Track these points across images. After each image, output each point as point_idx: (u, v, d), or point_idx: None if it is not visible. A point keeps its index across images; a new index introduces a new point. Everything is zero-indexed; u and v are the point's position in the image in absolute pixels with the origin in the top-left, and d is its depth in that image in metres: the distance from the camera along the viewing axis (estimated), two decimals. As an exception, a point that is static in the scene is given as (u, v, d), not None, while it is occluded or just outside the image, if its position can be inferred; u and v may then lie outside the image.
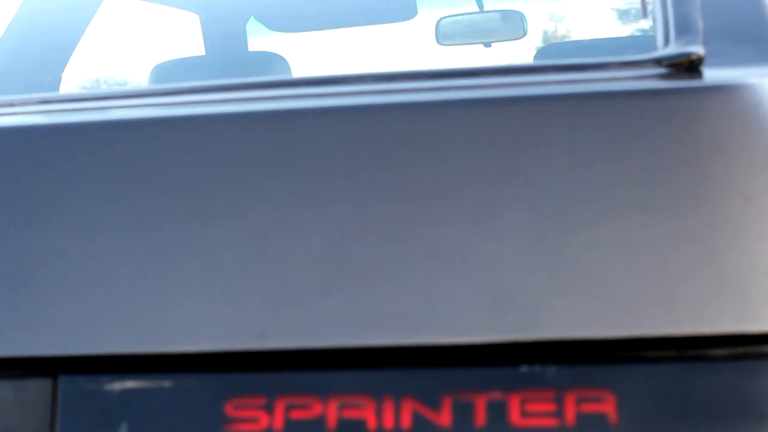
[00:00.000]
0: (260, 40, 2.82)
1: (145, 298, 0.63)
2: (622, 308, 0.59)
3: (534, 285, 0.59)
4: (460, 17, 2.76)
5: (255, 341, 0.62)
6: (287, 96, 0.72)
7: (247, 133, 0.64)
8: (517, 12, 2.63)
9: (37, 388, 0.65)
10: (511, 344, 0.60)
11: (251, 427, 0.62)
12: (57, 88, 2.10)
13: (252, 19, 2.71)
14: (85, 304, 0.64)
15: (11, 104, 0.85)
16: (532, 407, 0.59)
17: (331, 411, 0.61)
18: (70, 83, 2.12)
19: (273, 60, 2.19)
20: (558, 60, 0.78)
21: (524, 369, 0.60)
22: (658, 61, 0.74)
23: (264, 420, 0.61)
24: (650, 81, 0.72)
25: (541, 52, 2.02)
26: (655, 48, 0.86)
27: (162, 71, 2.19)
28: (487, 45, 2.82)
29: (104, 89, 0.74)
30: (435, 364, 0.61)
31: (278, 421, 0.61)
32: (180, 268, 0.63)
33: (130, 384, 0.64)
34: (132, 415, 0.63)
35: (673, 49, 0.77)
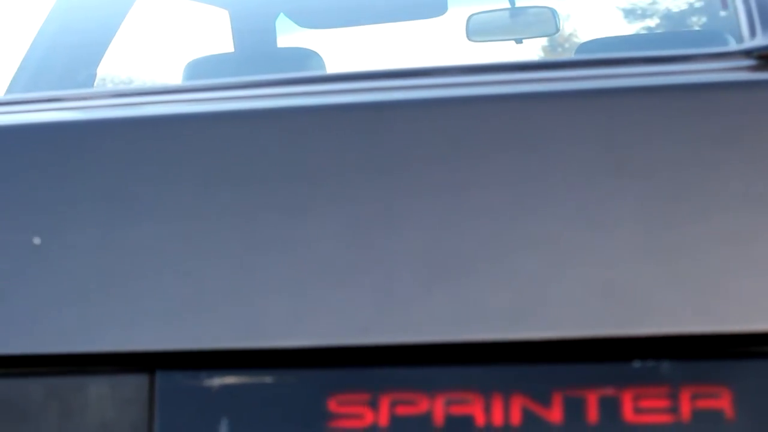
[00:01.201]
0: (288, 36, 2.81)
1: (245, 293, 0.62)
2: (737, 302, 0.58)
3: (647, 279, 0.58)
4: (491, 13, 2.75)
5: (358, 336, 0.61)
6: (377, 88, 0.71)
7: (347, 125, 0.63)
8: (549, 8, 2.61)
9: (134, 383, 0.64)
10: (623, 339, 0.58)
11: (355, 424, 0.61)
12: (92, 84, 2.10)
13: (281, 15, 2.70)
14: (183, 299, 0.63)
15: (84, 98, 0.85)
16: (645, 403, 0.58)
17: (438, 407, 0.60)
18: (106, 79, 2.11)
19: (308, 56, 2.18)
20: (647, 52, 0.77)
21: (637, 364, 0.59)
22: (747, 53, 0.73)
23: (368, 416, 0.60)
24: (743, 72, 0.71)
25: (585, 47, 2.00)
26: (727, 41, 0.85)
27: (197, 67, 2.18)
28: (519, 41, 2.80)
29: (188, 82, 0.72)
30: (545, 359, 0.60)
31: (383, 418, 0.60)
32: (280, 262, 0.62)
33: (230, 380, 0.63)
34: (232, 411, 0.62)
35: (762, 40, 0.76)
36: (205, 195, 0.63)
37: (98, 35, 2.15)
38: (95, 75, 2.11)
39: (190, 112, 0.68)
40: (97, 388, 0.64)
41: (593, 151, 0.61)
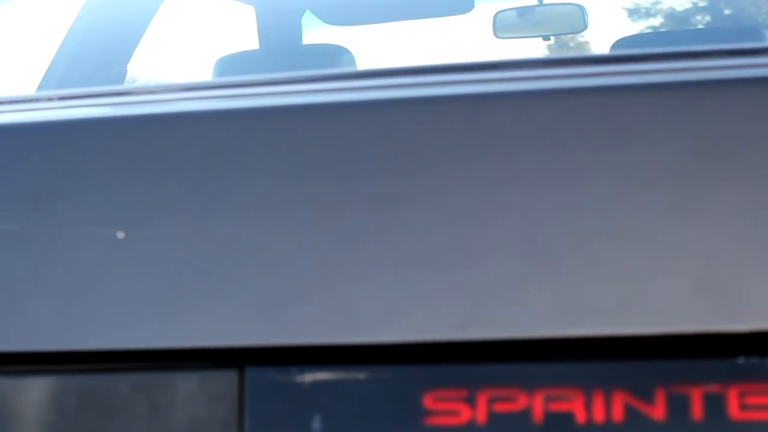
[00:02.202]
0: (313, 33, 2.80)
1: (338, 288, 0.61)
2: (844, 298, 0.57)
3: (751, 274, 0.57)
4: (518, 10, 2.74)
5: (454, 332, 0.60)
6: (466, 81, 0.71)
7: (441, 116, 0.62)
8: (577, 5, 2.60)
9: (223, 379, 0.63)
10: (726, 335, 0.58)
11: (452, 420, 0.60)
12: (122, 81, 2.10)
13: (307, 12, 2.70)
14: (274, 293, 0.62)
15: (152, 92, 0.84)
16: (752, 400, 0.57)
17: (537, 403, 0.59)
18: (137, 75, 2.11)
19: (339, 52, 2.17)
20: (728, 45, 0.76)
21: (741, 360, 0.58)
22: None
23: (465, 413, 0.60)
24: None
25: (621, 43, 1.99)
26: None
27: (228, 63, 2.17)
28: (546, 38, 2.79)
29: (271, 75, 0.72)
30: (647, 355, 0.59)
31: (480, 414, 0.59)
32: (374, 256, 0.61)
33: (322, 376, 0.62)
34: (324, 407, 0.61)
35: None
36: (297, 188, 0.63)
37: (129, 32, 2.15)
38: (126, 71, 2.11)
39: (285, 104, 0.67)
40: (186, 384, 0.64)
41: (693, 144, 0.60)
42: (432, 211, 0.61)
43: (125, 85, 0.83)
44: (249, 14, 2.66)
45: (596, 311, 0.58)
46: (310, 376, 0.62)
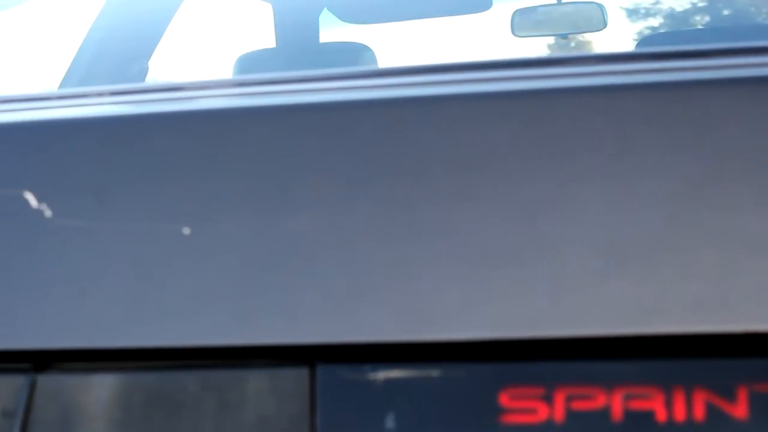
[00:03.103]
0: (330, 31, 2.79)
1: (411, 284, 0.61)
2: None
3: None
4: (537, 8, 2.73)
5: (530, 329, 0.59)
6: (530, 77, 0.70)
7: (510, 112, 0.62)
8: (596, 3, 2.59)
9: (294, 377, 0.62)
10: (810, 333, 0.57)
11: (529, 419, 0.59)
12: (144, 77, 2.09)
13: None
14: (345, 289, 0.61)
15: (206, 87, 0.83)
16: (837, 399, 0.56)
17: (616, 402, 0.58)
18: (159, 72, 2.11)
19: (361, 50, 2.17)
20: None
21: (826, 359, 0.57)
22: None
23: (543, 411, 0.59)
24: None
25: (648, 41, 1.98)
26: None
27: (248, 61, 2.17)
28: (564, 37, 2.79)
29: (338, 69, 0.71)
30: (728, 353, 0.58)
31: (558, 412, 0.59)
32: (448, 252, 0.60)
33: (395, 373, 0.61)
34: (397, 406, 0.61)
35: None
36: (367, 183, 0.62)
37: (150, 29, 2.14)
38: (147, 68, 2.10)
39: (357, 98, 0.66)
40: (255, 381, 0.63)
41: (773, 140, 0.59)
42: (510, 207, 0.60)
43: (177, 81, 0.82)
44: (266, 12, 2.66)
45: (677, 308, 0.58)
46: (383, 374, 0.61)
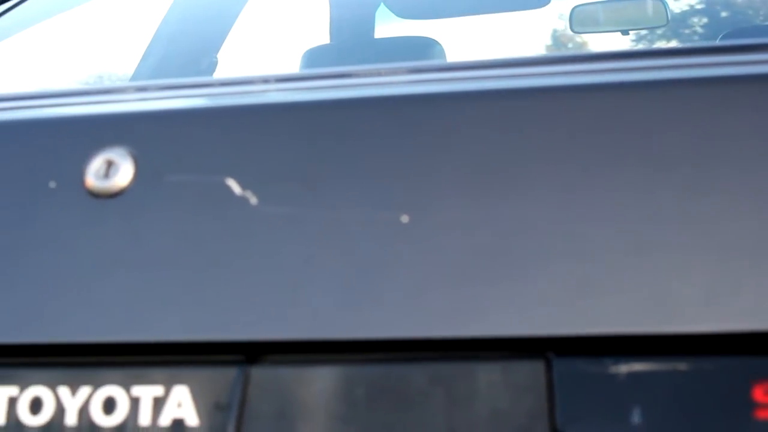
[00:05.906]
0: (383, 27, 2.77)
1: (653, 275, 0.58)
2: None
3: None
4: (596, 4, 2.70)
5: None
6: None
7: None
8: (658, -1, 2.56)
9: (529, 370, 0.60)
10: None
11: (785, 414, 0.57)
12: (213, 71, 2.07)
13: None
14: (580, 280, 0.59)
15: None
16: None
17: None
18: (227, 66, 2.09)
19: (431, 45, 2.14)
20: None
21: None
22: None
23: (801, 406, 0.57)
24: None
25: (733, 35, 1.96)
26: None
27: (315, 55, 2.14)
28: (625, 33, 2.76)
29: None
30: None
31: (818, 408, 0.56)
32: (692, 242, 0.58)
33: (639, 367, 0.59)
34: (642, 400, 0.58)
35: None
36: (599, 172, 0.60)
37: (217, 24, 2.12)
38: (216, 62, 2.08)
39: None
40: (486, 374, 0.61)
41: None
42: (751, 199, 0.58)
43: (349, 67, 0.80)
44: (323, 7, 2.64)
45: None
46: (625, 367, 0.59)
